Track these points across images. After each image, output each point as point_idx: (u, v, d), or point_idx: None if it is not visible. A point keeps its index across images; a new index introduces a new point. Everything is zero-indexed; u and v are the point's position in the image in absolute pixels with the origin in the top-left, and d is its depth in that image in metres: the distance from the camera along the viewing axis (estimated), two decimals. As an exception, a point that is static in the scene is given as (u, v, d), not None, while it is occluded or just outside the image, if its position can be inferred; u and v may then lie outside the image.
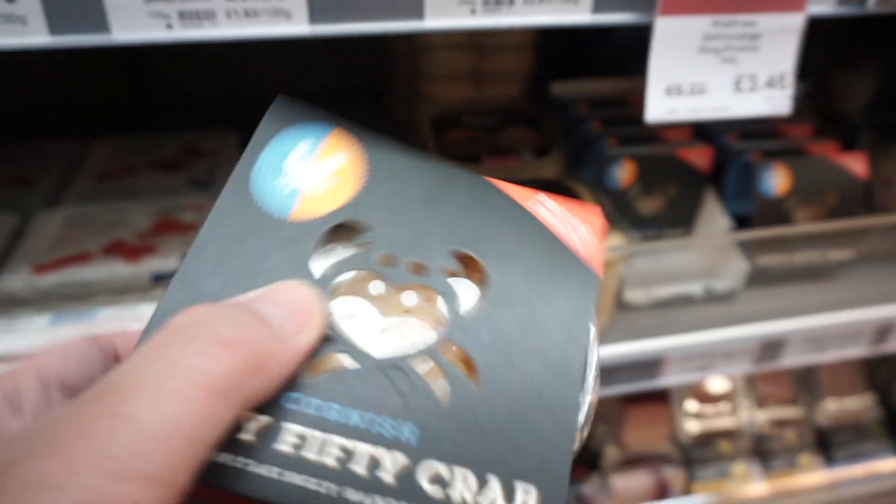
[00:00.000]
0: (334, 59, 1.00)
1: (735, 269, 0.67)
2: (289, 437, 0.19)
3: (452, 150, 0.71)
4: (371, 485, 0.19)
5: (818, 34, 0.65)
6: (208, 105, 0.99)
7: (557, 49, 0.87)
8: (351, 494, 0.18)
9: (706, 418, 0.94)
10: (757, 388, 0.98)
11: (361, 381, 0.20)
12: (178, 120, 0.95)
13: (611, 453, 0.89)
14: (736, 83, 0.41)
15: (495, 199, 0.25)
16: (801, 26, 0.40)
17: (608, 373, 0.64)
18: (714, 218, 0.70)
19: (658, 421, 0.90)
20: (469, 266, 0.24)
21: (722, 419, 0.94)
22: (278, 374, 0.19)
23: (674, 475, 0.89)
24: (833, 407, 0.98)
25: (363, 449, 0.19)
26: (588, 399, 0.22)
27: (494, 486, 0.19)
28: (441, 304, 0.23)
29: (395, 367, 0.21)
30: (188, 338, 0.18)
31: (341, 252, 0.23)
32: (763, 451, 0.96)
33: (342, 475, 0.19)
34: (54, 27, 0.35)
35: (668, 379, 0.66)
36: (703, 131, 0.74)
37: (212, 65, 0.99)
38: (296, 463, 0.19)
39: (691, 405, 0.94)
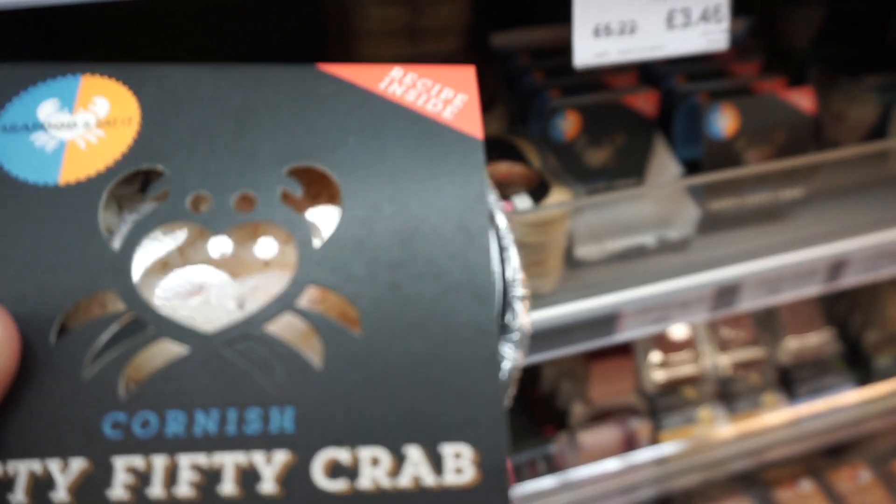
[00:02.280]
0: (265, 24, 0.95)
1: (687, 217, 0.66)
2: (121, 477, 0.14)
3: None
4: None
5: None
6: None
7: (496, -2, 0.83)
8: None
9: (670, 366, 0.95)
10: (719, 332, 0.98)
11: (201, 369, 0.15)
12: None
13: (577, 410, 0.88)
14: (668, 19, 0.38)
15: (331, 92, 0.20)
16: (734, -48, 0.37)
17: (564, 332, 0.62)
18: (665, 165, 0.68)
19: (623, 374, 0.90)
20: (317, 183, 0.19)
21: (686, 366, 0.95)
22: None
23: (641, 426, 0.89)
24: (794, 344, 0.99)
25: (227, 461, 0.14)
26: (518, 308, 0.17)
27: (415, 458, 0.14)
28: (293, 247, 0.17)
29: (243, 338, 0.16)
30: None
31: (141, 210, 0.19)
32: (727, 393, 0.97)
33: None
34: None
35: (626, 334, 0.65)
36: (649, 75, 0.72)
37: (135, 33, 0.93)
38: None
39: (655, 355, 0.94)
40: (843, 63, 0.81)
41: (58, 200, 0.17)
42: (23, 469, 0.14)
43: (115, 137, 0.19)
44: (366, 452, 0.14)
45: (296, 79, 0.20)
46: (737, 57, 0.76)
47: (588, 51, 0.37)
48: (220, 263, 0.18)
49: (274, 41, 0.96)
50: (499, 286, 0.17)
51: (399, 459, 0.14)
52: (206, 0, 0.90)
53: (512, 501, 0.14)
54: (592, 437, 0.87)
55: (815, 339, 1.00)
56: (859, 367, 1.02)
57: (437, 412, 0.15)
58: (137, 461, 0.14)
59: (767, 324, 1.01)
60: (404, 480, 0.14)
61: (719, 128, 0.64)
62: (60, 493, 0.14)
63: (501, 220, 0.18)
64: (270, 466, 0.14)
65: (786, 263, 0.65)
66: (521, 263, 0.18)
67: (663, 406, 0.93)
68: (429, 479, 0.14)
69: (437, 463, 0.14)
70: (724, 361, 0.97)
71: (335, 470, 0.14)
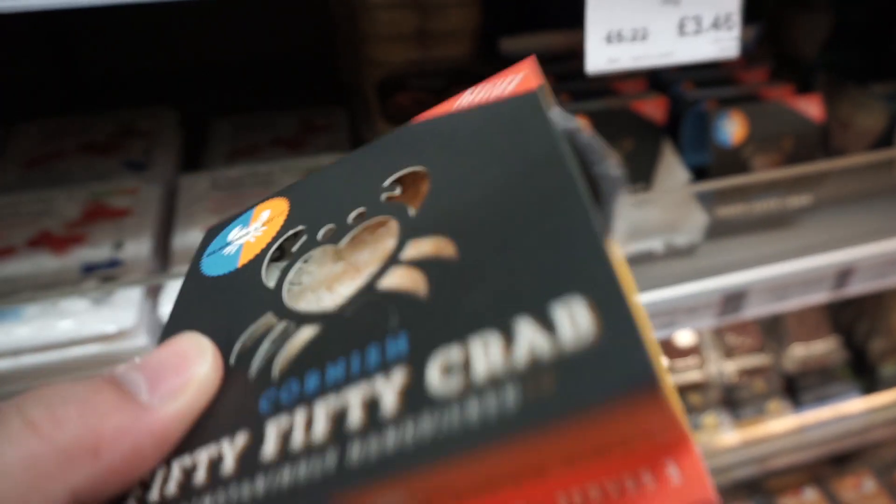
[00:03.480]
0: (276, 27, 0.96)
1: (695, 223, 0.66)
2: (272, 440, 0.16)
3: (398, 114, 0.68)
4: (373, 426, 0.14)
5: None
6: (145, 81, 0.94)
7: (506, 3, 0.83)
8: (354, 450, 0.14)
9: (675, 373, 0.94)
10: (724, 338, 0.98)
11: (331, 337, 0.18)
12: (113, 98, 0.90)
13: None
14: (680, 26, 0.38)
15: (417, 129, 0.22)
16: (746, -39, 0.37)
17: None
18: (672, 171, 0.68)
19: (628, 378, 0.89)
20: (410, 187, 0.22)
21: (691, 372, 0.95)
22: (132, 449, 0.16)
23: (645, 431, 0.89)
24: (800, 352, 0.99)
25: (352, 395, 0.15)
26: (607, 172, 0.17)
27: (526, 329, 0.14)
28: (395, 224, 0.20)
29: (362, 301, 0.18)
30: None
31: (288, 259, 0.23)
32: (732, 400, 0.97)
33: (337, 440, 0.15)
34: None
35: (632, 338, 0.65)
36: (657, 82, 0.72)
37: (147, 37, 0.94)
38: (288, 463, 0.15)
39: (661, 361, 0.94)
40: (850, 71, 0.81)
41: (239, 276, 0.23)
42: (203, 452, 0.17)
43: (273, 226, 0.24)
44: (475, 339, 0.14)
45: (390, 140, 0.23)
46: (745, 64, 0.76)
47: (600, 57, 0.37)
48: (344, 275, 0.21)
49: (283, 45, 0.96)
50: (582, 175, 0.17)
51: (510, 337, 0.14)
52: (217, 3, 0.91)
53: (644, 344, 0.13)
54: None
55: (821, 347, 1.00)
56: (865, 376, 1.01)
57: (537, 279, 0.14)
58: (283, 421, 0.16)
59: (773, 331, 1.01)
60: (520, 355, 0.13)
61: (727, 134, 0.64)
62: (228, 463, 0.16)
63: (571, 129, 0.18)
64: (389, 385, 0.15)
65: (793, 270, 0.65)
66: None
67: (668, 412, 0.93)
68: (546, 346, 0.13)
69: (549, 324, 0.13)
70: (729, 368, 0.97)
71: (447, 368, 0.14)
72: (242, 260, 0.23)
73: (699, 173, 0.67)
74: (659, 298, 0.62)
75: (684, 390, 0.94)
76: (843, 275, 0.69)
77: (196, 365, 0.18)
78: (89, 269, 0.53)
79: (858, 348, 1.03)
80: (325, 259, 0.22)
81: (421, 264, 0.17)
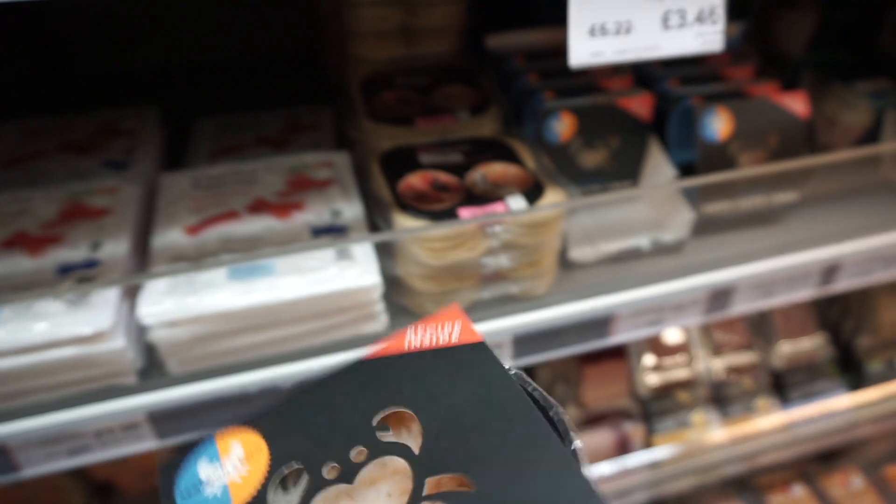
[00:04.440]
0: (262, 26, 0.94)
1: (681, 219, 0.66)
2: None
3: (383, 112, 0.67)
4: None
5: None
6: (129, 80, 0.93)
7: (491, 0, 0.83)
8: None
9: (664, 370, 0.94)
10: (713, 336, 0.98)
11: None
12: (97, 97, 0.88)
13: (570, 414, 0.88)
14: (664, 20, 0.38)
15: (377, 367, 0.27)
16: (729, -47, 0.37)
17: (558, 335, 0.62)
18: (659, 168, 0.68)
19: (616, 377, 0.89)
20: (396, 421, 0.26)
21: (679, 370, 0.94)
22: None
23: (634, 430, 0.89)
24: (787, 349, 0.99)
25: None
26: (568, 427, 0.24)
27: None
28: (399, 462, 0.24)
29: None
30: None
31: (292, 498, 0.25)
32: (721, 397, 0.97)
33: None
34: None
35: (619, 337, 0.65)
36: (643, 78, 0.72)
37: (131, 38, 0.92)
38: None
39: (649, 359, 0.94)
40: (835, 69, 0.81)
41: None
42: None
43: (257, 465, 0.25)
44: None
45: (350, 373, 0.27)
46: (730, 61, 0.76)
47: (583, 50, 0.36)
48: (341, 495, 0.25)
49: (270, 43, 0.95)
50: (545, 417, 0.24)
51: None
52: (202, 2, 0.90)
53: None
54: (586, 440, 0.87)
55: (808, 344, 1.01)
56: (852, 372, 1.02)
57: None
58: None
59: (761, 328, 1.01)
60: None
61: (713, 131, 0.64)
62: None
63: (522, 378, 0.26)
64: None
65: (779, 267, 0.65)
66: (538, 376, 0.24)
67: (657, 410, 0.93)
68: None
69: None
70: (717, 365, 0.97)
71: None
72: (236, 501, 0.25)
73: (686, 170, 0.67)
74: (646, 295, 0.62)
75: (673, 388, 0.94)
76: (829, 271, 0.69)
77: None
78: (66, 270, 0.52)
79: (845, 345, 1.04)
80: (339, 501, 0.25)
81: (444, 497, 0.23)
